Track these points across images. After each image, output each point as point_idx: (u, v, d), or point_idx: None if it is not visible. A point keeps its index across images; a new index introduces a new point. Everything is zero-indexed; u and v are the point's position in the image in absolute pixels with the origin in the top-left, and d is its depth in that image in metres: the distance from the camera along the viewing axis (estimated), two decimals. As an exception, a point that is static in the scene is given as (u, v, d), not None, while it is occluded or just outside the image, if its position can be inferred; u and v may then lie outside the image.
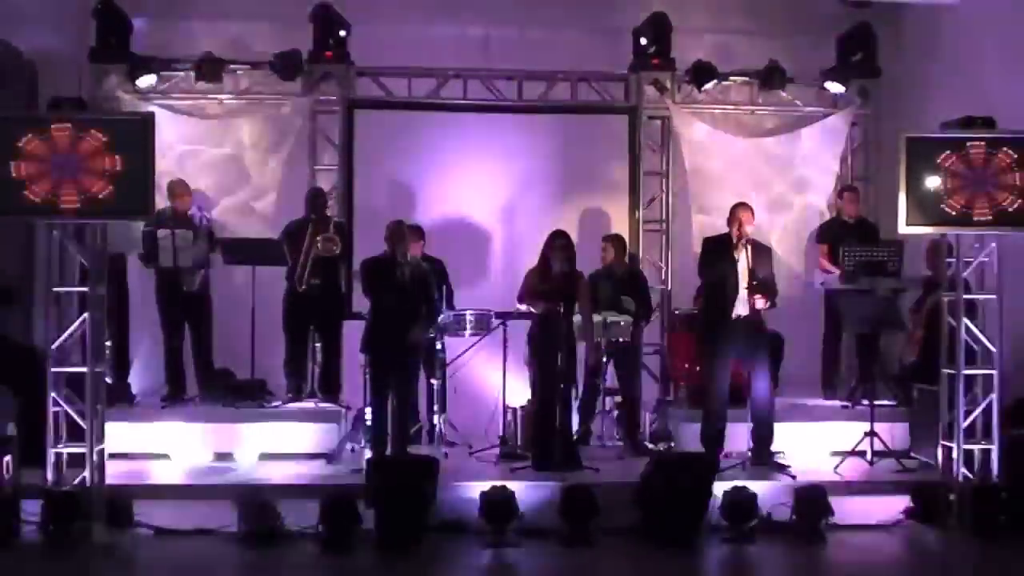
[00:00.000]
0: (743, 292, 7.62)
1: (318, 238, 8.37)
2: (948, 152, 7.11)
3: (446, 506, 6.87)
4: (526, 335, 7.92)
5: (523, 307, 7.89)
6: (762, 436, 7.74)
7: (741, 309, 7.65)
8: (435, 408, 8.43)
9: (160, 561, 6.44)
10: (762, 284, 7.62)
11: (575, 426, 7.98)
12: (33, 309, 8.88)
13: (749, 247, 7.68)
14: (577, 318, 7.88)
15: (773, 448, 7.84)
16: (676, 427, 8.41)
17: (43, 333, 7.03)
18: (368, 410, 7.97)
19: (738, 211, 7.75)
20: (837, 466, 7.82)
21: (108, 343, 8.39)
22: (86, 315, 6.77)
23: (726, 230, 7.82)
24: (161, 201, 8.46)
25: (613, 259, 8.62)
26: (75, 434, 6.79)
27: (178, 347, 8.62)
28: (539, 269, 7.84)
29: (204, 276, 8.60)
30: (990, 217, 7.13)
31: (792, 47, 9.89)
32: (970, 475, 7.22)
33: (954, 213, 7.13)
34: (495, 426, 8.38)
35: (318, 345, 8.86)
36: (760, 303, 7.65)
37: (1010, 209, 7.12)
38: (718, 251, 7.78)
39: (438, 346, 8.38)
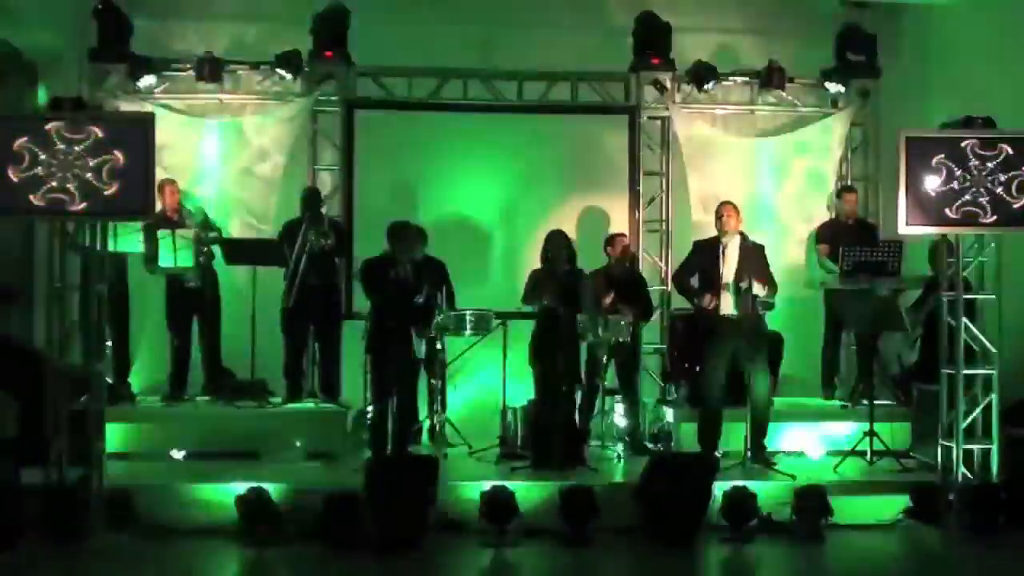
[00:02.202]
0: (731, 290, 7.64)
1: (310, 233, 8.36)
2: (948, 152, 7.11)
3: (446, 506, 6.87)
4: (532, 334, 7.91)
5: (526, 307, 7.89)
6: (758, 435, 7.74)
7: (728, 308, 7.65)
8: (435, 408, 8.43)
9: (160, 561, 6.44)
10: (750, 281, 7.63)
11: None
12: (33, 309, 8.88)
13: (737, 246, 7.69)
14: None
15: (773, 448, 7.86)
16: (676, 427, 8.42)
17: (43, 333, 7.02)
18: (369, 410, 7.99)
19: (721, 209, 7.81)
20: (837, 466, 7.82)
21: (108, 343, 8.43)
22: (86, 315, 6.76)
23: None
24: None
25: (618, 257, 8.62)
26: (75, 434, 6.78)
27: (185, 347, 8.62)
28: (540, 269, 7.85)
29: (208, 271, 8.59)
30: (990, 217, 7.13)
31: (792, 47, 9.90)
32: (970, 475, 7.23)
33: (954, 213, 7.13)
34: (495, 426, 8.38)
35: (317, 345, 8.87)
36: (758, 288, 7.63)
37: (1010, 209, 7.12)
38: (701, 252, 7.81)
39: (438, 346, 8.38)
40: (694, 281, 8.00)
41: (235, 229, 9.27)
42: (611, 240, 8.78)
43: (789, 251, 9.56)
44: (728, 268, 7.69)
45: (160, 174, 6.84)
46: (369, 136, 9.53)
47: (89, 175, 6.52)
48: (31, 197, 6.53)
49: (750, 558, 6.75)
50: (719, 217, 7.81)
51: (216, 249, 8.69)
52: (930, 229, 7.30)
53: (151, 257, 8.44)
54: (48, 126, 6.56)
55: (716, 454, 7.67)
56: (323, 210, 8.72)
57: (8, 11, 8.67)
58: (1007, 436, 7.35)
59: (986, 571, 6.69)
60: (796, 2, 10.06)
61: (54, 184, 6.51)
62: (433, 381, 8.48)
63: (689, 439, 8.10)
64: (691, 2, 9.92)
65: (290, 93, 9.43)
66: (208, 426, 8.20)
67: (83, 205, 6.54)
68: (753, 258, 7.76)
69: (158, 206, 8.47)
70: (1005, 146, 7.12)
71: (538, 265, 8.17)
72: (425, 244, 8.53)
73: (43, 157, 6.51)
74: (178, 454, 7.98)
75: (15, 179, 6.51)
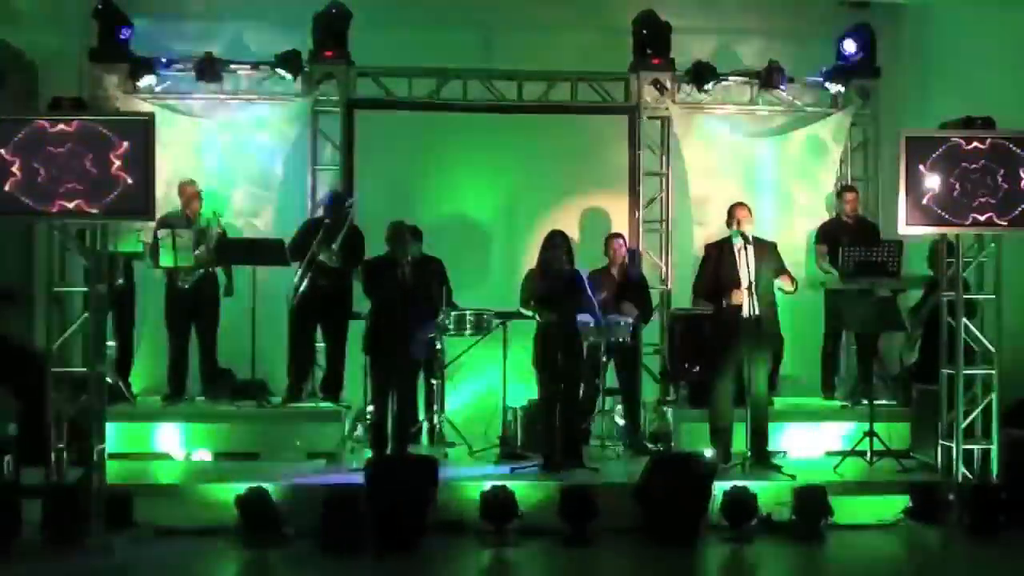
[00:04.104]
0: (747, 291, 7.62)
1: (322, 251, 8.33)
2: (948, 151, 7.11)
3: (446, 506, 6.87)
4: (533, 337, 7.90)
5: (528, 312, 7.89)
6: (759, 435, 7.73)
7: (747, 309, 7.63)
8: (435, 408, 8.43)
9: (160, 561, 6.44)
10: (771, 274, 7.66)
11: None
12: (33, 309, 8.88)
13: (750, 245, 7.68)
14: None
15: (772, 448, 7.86)
16: (676, 427, 8.42)
17: (43, 333, 7.02)
18: (369, 410, 7.99)
19: (735, 210, 7.79)
20: (837, 466, 7.82)
21: (111, 343, 8.44)
22: (86, 315, 6.77)
23: (726, 232, 7.84)
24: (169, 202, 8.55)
25: (618, 257, 8.61)
26: (75, 434, 6.78)
27: (182, 347, 8.62)
28: (538, 270, 7.86)
29: (205, 275, 8.58)
30: (990, 217, 7.13)
31: (792, 47, 9.91)
32: (970, 475, 7.23)
33: (954, 213, 7.13)
34: (495, 426, 8.38)
35: (320, 345, 8.87)
36: (788, 286, 7.72)
37: (1010, 209, 7.12)
38: (717, 254, 7.79)
39: (438, 346, 8.38)
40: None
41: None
42: (607, 241, 8.78)
43: (788, 252, 9.53)
44: (745, 268, 7.67)
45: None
46: (369, 136, 9.53)
47: (89, 176, 6.52)
48: (31, 198, 6.53)
49: (750, 558, 6.75)
50: (734, 218, 7.76)
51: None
52: (930, 229, 7.30)
53: (152, 256, 8.45)
54: (48, 126, 6.56)
55: (729, 452, 7.68)
56: (349, 205, 8.58)
57: (8, 11, 8.68)
58: (1007, 436, 7.34)
59: (986, 571, 6.69)
60: (796, 2, 10.07)
61: (54, 185, 6.51)
62: (433, 381, 8.49)
63: (689, 439, 8.11)
64: (691, 2, 9.92)
65: (290, 93, 9.43)
66: (208, 426, 8.19)
67: (83, 206, 6.53)
68: (767, 255, 7.75)
69: (176, 205, 8.53)
70: (1005, 146, 7.11)
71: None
72: (420, 243, 8.52)
73: (43, 158, 6.50)
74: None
75: (15, 180, 6.51)
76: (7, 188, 6.53)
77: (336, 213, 8.51)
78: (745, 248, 7.67)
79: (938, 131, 7.29)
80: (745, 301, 7.58)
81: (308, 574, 6.47)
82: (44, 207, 6.56)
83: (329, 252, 8.31)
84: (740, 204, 7.85)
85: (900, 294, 8.62)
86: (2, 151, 6.52)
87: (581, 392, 8.19)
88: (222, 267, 8.62)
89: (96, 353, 6.83)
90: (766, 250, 7.78)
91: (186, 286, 8.47)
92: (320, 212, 8.86)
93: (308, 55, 9.26)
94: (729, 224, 7.82)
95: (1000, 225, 7.15)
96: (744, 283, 7.62)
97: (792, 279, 7.84)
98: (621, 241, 8.79)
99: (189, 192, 8.63)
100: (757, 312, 7.57)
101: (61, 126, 6.55)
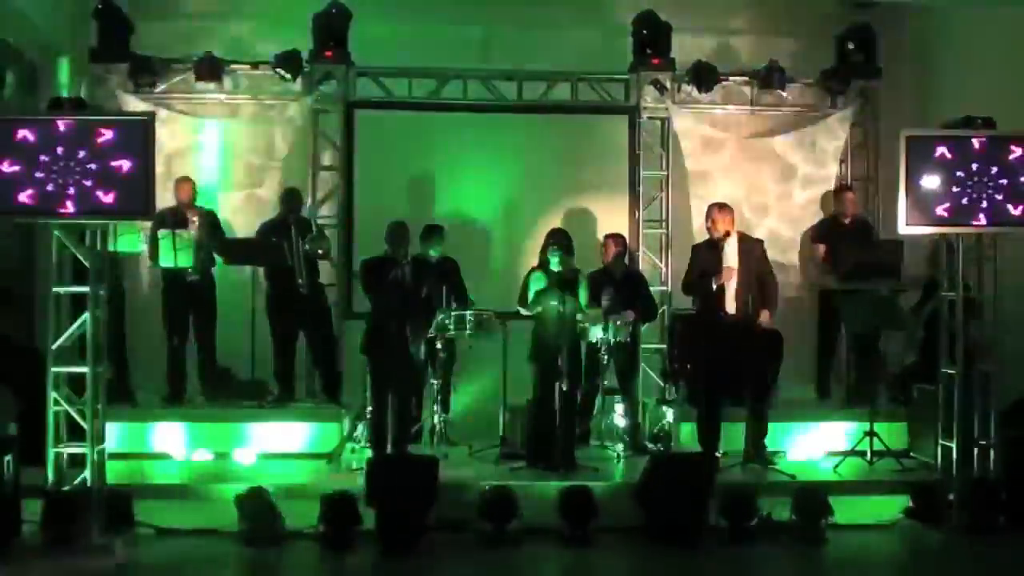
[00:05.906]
0: (732, 290, 7.63)
1: (306, 242, 8.38)
2: (948, 151, 7.11)
3: (446, 506, 6.87)
4: (532, 332, 7.91)
5: (525, 311, 7.90)
6: (756, 435, 7.74)
7: (732, 307, 7.63)
8: (435, 408, 8.43)
9: (160, 561, 6.44)
10: (762, 298, 7.66)
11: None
12: (33, 309, 8.88)
13: (735, 243, 7.68)
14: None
15: (772, 447, 7.86)
16: (676, 427, 8.42)
17: (43, 333, 7.02)
18: (369, 410, 7.98)
19: (712, 211, 7.82)
20: (837, 466, 7.83)
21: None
22: (86, 315, 6.76)
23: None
24: (168, 200, 8.55)
25: (614, 257, 8.62)
26: (75, 434, 6.78)
27: (180, 346, 8.62)
28: (539, 269, 7.86)
29: (203, 275, 8.58)
30: (990, 217, 7.12)
31: (792, 47, 9.92)
32: (969, 475, 7.22)
33: (954, 213, 7.13)
34: (495, 426, 8.38)
35: (311, 347, 8.87)
36: (765, 319, 7.68)
37: (1010, 209, 7.12)
38: (702, 254, 7.80)
39: (438, 346, 8.38)
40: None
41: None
42: (604, 242, 8.78)
43: (789, 251, 9.57)
44: (730, 258, 7.67)
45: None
46: (369, 136, 9.53)
47: (89, 175, 6.51)
48: (31, 197, 6.52)
49: (750, 558, 6.75)
50: (711, 220, 7.80)
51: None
52: (930, 229, 7.29)
53: (153, 255, 8.46)
54: (48, 126, 6.56)
55: (716, 454, 7.67)
56: (304, 213, 8.76)
57: (8, 11, 8.67)
58: (1006, 436, 7.34)
59: (986, 571, 6.69)
60: (796, 2, 10.08)
61: (54, 184, 6.50)
62: (433, 381, 8.48)
63: (689, 439, 8.11)
64: (691, 2, 9.92)
65: (290, 93, 9.43)
66: (208, 426, 8.19)
67: (83, 206, 6.53)
68: (753, 256, 7.75)
69: (173, 202, 8.53)
70: (1005, 146, 7.11)
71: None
72: (442, 242, 8.55)
73: (44, 158, 6.50)
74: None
75: (15, 179, 6.50)
76: (7, 188, 6.52)
77: (297, 210, 8.63)
78: (727, 242, 7.67)
79: (938, 131, 7.28)
80: (730, 289, 7.58)
81: (308, 574, 6.47)
82: (44, 207, 6.55)
83: (316, 242, 8.44)
84: (714, 205, 7.90)
85: (900, 294, 8.62)
86: (3, 151, 6.51)
87: (579, 391, 8.20)
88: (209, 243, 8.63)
89: (96, 353, 6.83)
90: (754, 247, 7.78)
91: (193, 278, 8.47)
92: (279, 212, 8.84)
93: (308, 55, 9.27)
94: (707, 225, 7.85)
95: (1000, 224, 7.15)
96: (733, 282, 7.62)
97: (771, 311, 7.81)
98: (611, 241, 8.77)
99: (182, 186, 8.63)
100: (744, 308, 7.56)
101: (62, 126, 6.55)
